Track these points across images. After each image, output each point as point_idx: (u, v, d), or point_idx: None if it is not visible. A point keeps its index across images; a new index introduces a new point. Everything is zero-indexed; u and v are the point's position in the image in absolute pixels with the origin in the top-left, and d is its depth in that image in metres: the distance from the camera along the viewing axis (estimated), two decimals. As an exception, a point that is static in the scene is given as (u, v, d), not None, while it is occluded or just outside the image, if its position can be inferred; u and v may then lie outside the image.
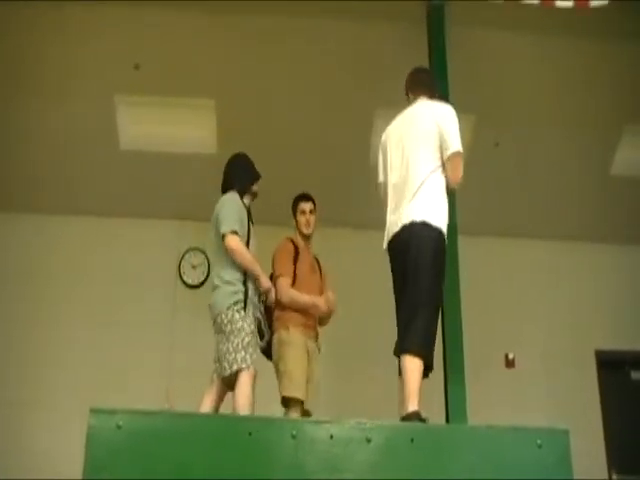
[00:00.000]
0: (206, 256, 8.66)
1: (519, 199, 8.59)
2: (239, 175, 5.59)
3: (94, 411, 3.89)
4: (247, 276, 5.25)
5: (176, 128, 8.30)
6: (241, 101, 7.96)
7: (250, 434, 3.91)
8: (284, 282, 5.71)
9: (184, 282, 8.64)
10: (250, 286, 5.27)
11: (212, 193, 8.31)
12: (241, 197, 5.50)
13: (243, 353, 5.02)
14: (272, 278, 5.70)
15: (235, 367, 5.01)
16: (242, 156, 5.69)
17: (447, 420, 5.68)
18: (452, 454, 3.99)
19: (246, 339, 5.07)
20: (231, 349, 5.05)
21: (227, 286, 5.23)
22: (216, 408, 5.26)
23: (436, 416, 4.66)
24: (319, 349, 5.86)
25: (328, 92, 7.91)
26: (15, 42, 7.53)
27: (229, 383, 5.13)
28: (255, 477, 3.83)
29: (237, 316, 5.13)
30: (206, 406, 5.21)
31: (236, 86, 7.88)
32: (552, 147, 8.27)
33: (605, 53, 7.57)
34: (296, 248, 5.90)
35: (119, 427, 3.86)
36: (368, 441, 3.92)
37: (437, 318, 4.71)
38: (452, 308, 5.97)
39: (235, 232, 5.24)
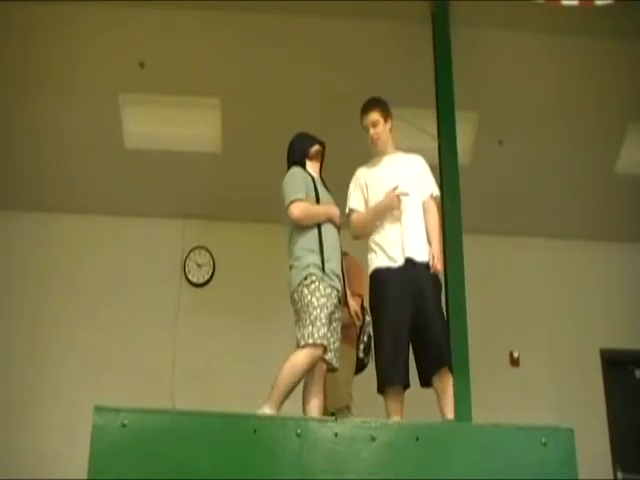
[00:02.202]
0: (211, 255, 8.68)
1: (523, 197, 8.58)
2: (295, 147, 5.47)
3: (99, 409, 3.90)
4: (323, 247, 4.92)
5: (181, 127, 8.30)
6: (246, 100, 7.96)
7: (255, 432, 3.91)
8: None
9: (189, 281, 8.65)
10: (329, 254, 4.93)
11: (217, 192, 8.40)
12: (304, 168, 5.30)
13: (310, 328, 4.64)
14: None
15: (302, 342, 4.63)
16: (297, 133, 5.60)
17: (452, 418, 5.69)
18: (457, 452, 3.99)
19: (314, 313, 4.68)
20: (301, 327, 4.71)
21: (297, 262, 4.92)
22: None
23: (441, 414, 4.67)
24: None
25: (333, 92, 7.89)
26: (19, 42, 7.53)
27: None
28: (260, 474, 3.84)
29: (305, 291, 4.77)
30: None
31: (241, 85, 7.88)
32: (556, 145, 8.26)
33: (609, 52, 7.55)
34: None
35: (124, 425, 3.86)
36: (372, 439, 3.93)
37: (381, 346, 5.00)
38: (457, 306, 5.96)
39: (295, 200, 5.01)
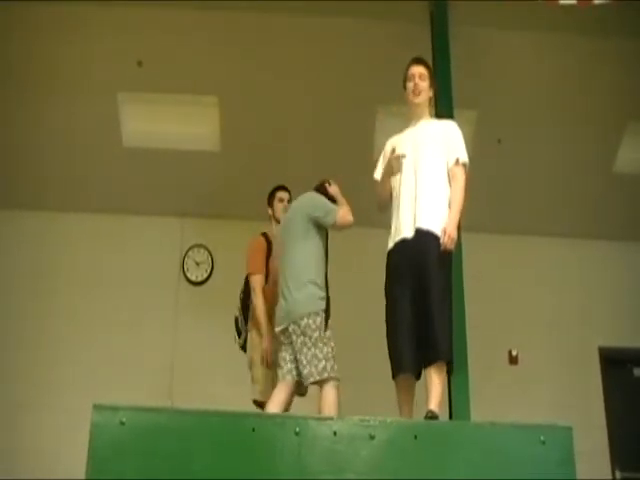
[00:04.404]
0: (210, 253, 8.67)
1: (522, 196, 8.59)
2: None
3: (97, 407, 3.89)
4: (327, 284, 5.15)
5: (179, 125, 8.30)
6: (244, 98, 7.97)
7: (253, 430, 3.91)
8: (255, 281, 5.73)
9: (187, 279, 8.65)
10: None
11: (215, 190, 8.40)
12: None
13: (324, 362, 4.89)
14: (247, 276, 5.81)
15: (325, 375, 4.87)
16: None
17: (450, 417, 5.69)
18: (455, 451, 3.98)
19: (325, 349, 4.93)
20: (320, 356, 4.91)
21: (315, 288, 5.07)
22: (286, 409, 5.08)
23: (439, 413, 4.66)
24: None
25: (331, 91, 7.91)
26: (18, 42, 7.54)
27: (303, 389, 5.08)
28: (258, 473, 3.83)
29: (312, 324, 4.98)
30: (276, 405, 4.99)
31: (239, 83, 7.89)
32: (554, 144, 8.27)
33: (608, 51, 7.56)
34: (268, 243, 5.87)
35: (122, 423, 3.86)
36: (371, 438, 3.92)
37: (387, 333, 4.88)
38: (456, 305, 5.96)
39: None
